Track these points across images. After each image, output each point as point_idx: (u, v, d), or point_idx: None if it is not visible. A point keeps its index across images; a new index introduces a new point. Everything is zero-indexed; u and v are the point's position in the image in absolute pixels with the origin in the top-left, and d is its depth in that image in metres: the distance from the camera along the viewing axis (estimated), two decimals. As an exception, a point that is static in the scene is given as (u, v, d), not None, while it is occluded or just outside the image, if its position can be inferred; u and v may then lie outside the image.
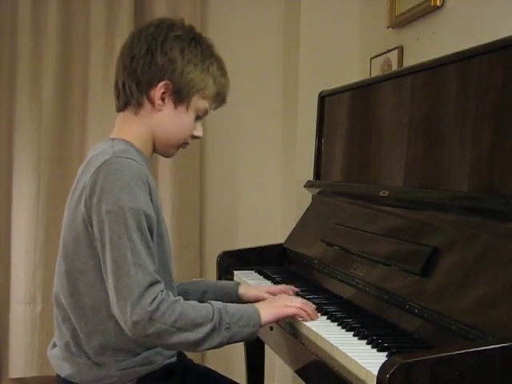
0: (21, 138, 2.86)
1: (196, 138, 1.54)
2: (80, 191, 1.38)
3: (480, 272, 1.30)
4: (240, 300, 1.68)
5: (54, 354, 1.48)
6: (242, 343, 2.32)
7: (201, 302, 1.51)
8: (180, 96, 1.45)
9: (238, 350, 2.31)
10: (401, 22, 2.41)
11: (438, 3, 2.14)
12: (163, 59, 1.42)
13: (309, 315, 1.51)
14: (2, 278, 2.89)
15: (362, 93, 2.08)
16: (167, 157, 1.58)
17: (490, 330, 1.17)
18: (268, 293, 1.68)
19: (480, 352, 1.07)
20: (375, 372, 1.08)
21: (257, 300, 1.61)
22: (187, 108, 1.46)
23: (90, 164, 1.39)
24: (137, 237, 1.31)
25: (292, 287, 1.76)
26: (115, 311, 1.32)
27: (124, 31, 2.83)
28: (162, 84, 1.43)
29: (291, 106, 2.93)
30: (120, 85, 1.47)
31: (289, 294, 1.69)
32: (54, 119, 2.86)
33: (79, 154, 2.88)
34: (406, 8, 2.36)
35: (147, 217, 1.34)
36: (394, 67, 2.43)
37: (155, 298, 1.30)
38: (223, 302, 1.48)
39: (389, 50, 2.49)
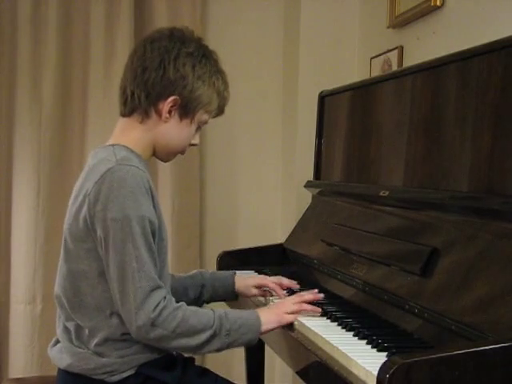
0: (21, 138, 2.85)
1: (193, 145, 1.60)
2: (83, 197, 1.41)
3: (480, 272, 1.30)
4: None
5: (56, 350, 1.51)
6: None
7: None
8: (186, 110, 1.50)
9: (238, 351, 2.30)
10: (401, 21, 2.41)
11: (438, 3, 2.14)
12: (176, 75, 1.47)
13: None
14: (2, 278, 2.89)
15: (362, 93, 2.08)
16: (165, 162, 1.64)
17: (490, 330, 1.17)
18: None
19: (480, 352, 1.07)
20: (375, 372, 1.08)
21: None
22: (191, 121, 1.52)
23: (93, 171, 1.43)
24: (141, 243, 1.36)
25: (284, 281, 1.80)
26: (121, 313, 1.39)
27: (124, 31, 2.84)
28: (171, 98, 1.47)
29: (291, 106, 2.93)
30: (128, 92, 1.50)
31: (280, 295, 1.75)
32: (54, 119, 2.86)
33: (79, 154, 2.88)
34: (406, 8, 2.36)
35: (151, 223, 1.39)
36: (394, 67, 2.43)
37: (158, 305, 1.36)
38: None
39: (389, 50, 2.49)
